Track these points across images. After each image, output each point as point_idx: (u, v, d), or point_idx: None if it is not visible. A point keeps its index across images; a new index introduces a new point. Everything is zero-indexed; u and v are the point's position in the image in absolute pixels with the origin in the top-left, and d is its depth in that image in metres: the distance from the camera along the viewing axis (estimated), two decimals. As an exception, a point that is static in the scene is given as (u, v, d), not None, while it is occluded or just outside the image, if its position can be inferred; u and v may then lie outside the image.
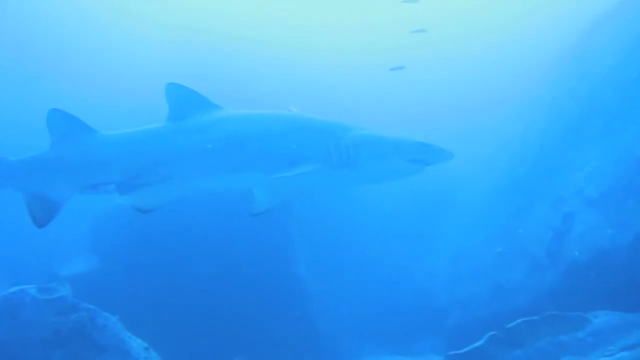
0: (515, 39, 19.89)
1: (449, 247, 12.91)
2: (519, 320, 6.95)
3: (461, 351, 6.76)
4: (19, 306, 5.75)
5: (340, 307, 11.98)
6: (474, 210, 13.01)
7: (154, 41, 20.31)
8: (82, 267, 9.72)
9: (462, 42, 21.19)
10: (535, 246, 9.09)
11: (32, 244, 10.97)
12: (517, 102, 14.51)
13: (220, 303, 9.17)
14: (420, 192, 14.04)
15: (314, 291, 10.82)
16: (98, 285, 8.53)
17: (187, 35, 20.40)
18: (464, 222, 13.14)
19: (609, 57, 9.81)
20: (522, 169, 11.31)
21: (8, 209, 7.65)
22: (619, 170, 8.05)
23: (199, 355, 8.56)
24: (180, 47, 19.58)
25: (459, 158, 6.25)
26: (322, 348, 10.18)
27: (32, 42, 20.63)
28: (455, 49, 21.04)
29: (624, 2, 10.66)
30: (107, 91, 18.31)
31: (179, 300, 8.89)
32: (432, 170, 6.10)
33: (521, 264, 9.30)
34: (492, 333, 6.89)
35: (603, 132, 8.97)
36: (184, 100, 5.94)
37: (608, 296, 7.23)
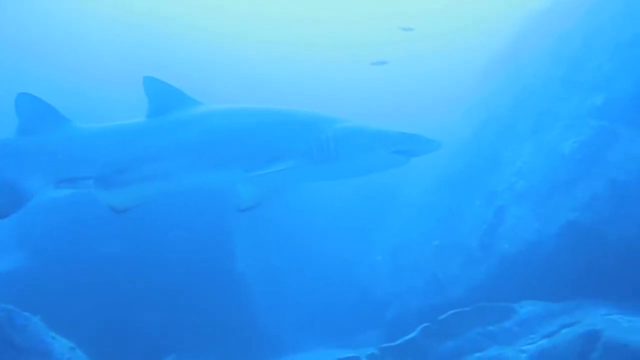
0: (458, 43, 20.53)
1: (390, 241, 13.09)
2: (450, 312, 7.15)
3: (394, 343, 6.88)
4: None
5: (282, 301, 11.95)
6: (414, 204, 13.22)
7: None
8: (8, 264, 9.29)
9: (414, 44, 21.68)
10: (470, 239, 9.34)
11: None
12: (459, 102, 14.84)
13: (156, 299, 8.98)
14: (363, 186, 14.13)
15: (254, 286, 10.75)
16: (25, 283, 8.20)
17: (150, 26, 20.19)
18: (404, 216, 13.34)
19: (538, 58, 10.17)
20: (460, 165, 11.59)
21: None
22: (547, 166, 8.39)
23: (133, 353, 8.34)
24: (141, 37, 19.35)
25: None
26: (262, 343, 10.15)
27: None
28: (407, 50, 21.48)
29: (551, 6, 11.10)
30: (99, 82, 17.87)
31: (111, 297, 8.65)
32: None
33: (457, 257, 9.53)
34: (424, 325, 7.05)
35: (533, 129, 9.32)
36: (163, 95, 5.75)
37: (534, 286, 7.52)
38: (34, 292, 7.25)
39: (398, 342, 6.84)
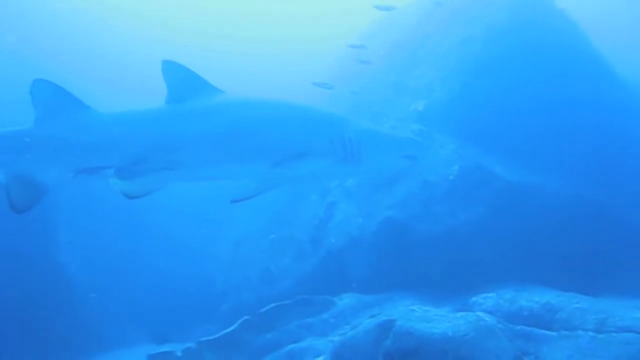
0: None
1: (233, 233, 13.07)
2: (271, 305, 7.27)
3: (212, 337, 6.83)
4: None
5: (113, 294, 11.38)
6: (259, 197, 13.28)
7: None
8: None
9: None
10: (302, 233, 9.59)
11: None
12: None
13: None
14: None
15: (80, 277, 10.12)
16: None
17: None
18: (249, 209, 13.37)
19: (376, 62, 10.71)
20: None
21: None
22: (374, 165, 8.85)
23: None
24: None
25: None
26: (85, 337, 9.60)
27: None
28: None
29: (390, 14, 11.75)
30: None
31: None
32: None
33: (289, 250, 9.75)
34: (245, 318, 7.10)
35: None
36: (182, 81, 5.47)
37: (354, 280, 7.92)
38: None
39: (216, 335, 6.80)
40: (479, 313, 5.75)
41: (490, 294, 6.22)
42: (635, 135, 8.65)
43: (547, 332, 5.38)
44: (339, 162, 5.24)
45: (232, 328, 6.97)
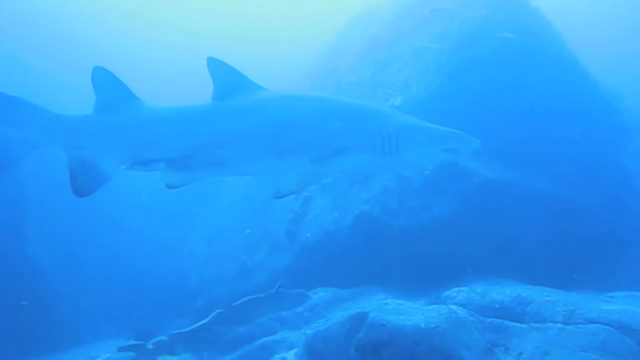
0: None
1: (209, 228, 13.00)
2: (245, 298, 7.24)
3: (184, 330, 6.78)
4: None
5: (87, 289, 11.24)
6: (235, 192, 13.25)
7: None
8: None
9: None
10: (278, 228, 9.57)
11: None
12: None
13: None
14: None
15: (51, 272, 9.95)
16: None
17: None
18: (224, 204, 13.32)
19: (353, 58, 10.74)
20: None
21: None
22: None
23: None
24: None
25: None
26: (56, 331, 9.45)
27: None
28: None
29: (366, 10, 11.78)
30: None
31: None
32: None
33: (264, 245, 9.72)
34: (218, 311, 7.07)
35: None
36: (227, 78, 5.53)
37: (329, 274, 7.92)
38: None
39: (188, 328, 6.76)
40: (451, 306, 5.81)
41: (462, 288, 6.27)
42: (606, 136, 8.83)
43: (517, 324, 5.44)
44: (378, 157, 5.21)
45: (204, 321, 6.95)
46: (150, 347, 6.42)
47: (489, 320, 5.57)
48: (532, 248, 7.36)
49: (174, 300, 11.73)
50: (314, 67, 13.81)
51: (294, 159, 5.27)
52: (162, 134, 5.41)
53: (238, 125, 5.33)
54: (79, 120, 5.36)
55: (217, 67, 5.57)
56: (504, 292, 5.93)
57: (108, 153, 5.33)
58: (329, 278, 7.80)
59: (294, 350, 5.97)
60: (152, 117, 5.50)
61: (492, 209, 7.47)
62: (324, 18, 19.30)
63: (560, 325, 5.10)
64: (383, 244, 7.62)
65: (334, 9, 18.69)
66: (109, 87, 5.45)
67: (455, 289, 6.29)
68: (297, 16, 27.08)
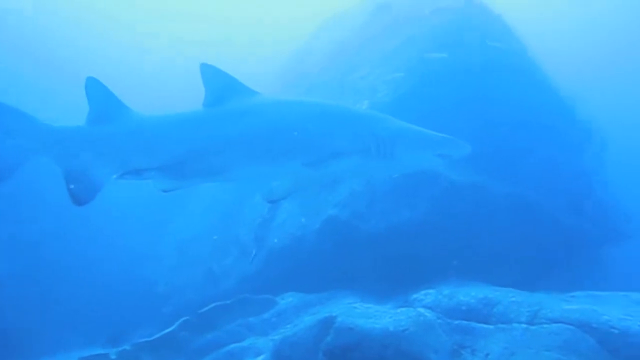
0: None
1: (177, 234, 12.82)
2: (212, 305, 7.14)
3: (149, 339, 6.65)
4: None
5: (48, 298, 10.94)
6: (205, 198, 13.12)
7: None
8: None
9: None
10: (246, 233, 9.49)
11: None
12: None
13: None
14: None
15: (9, 282, 9.66)
16: None
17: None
18: (193, 210, 13.16)
19: (322, 61, 10.77)
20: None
21: None
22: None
23: None
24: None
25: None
26: (14, 343, 9.16)
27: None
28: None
29: (337, 13, 11.81)
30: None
31: None
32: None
33: (232, 250, 9.62)
34: (184, 318, 6.95)
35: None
36: (220, 83, 5.59)
37: (297, 279, 7.89)
38: None
39: (154, 337, 6.62)
40: (419, 309, 5.84)
41: (430, 290, 6.31)
42: (567, 141, 9.04)
43: (484, 325, 5.50)
44: (372, 161, 5.25)
45: (170, 329, 6.81)
46: (113, 357, 6.26)
47: (456, 322, 5.61)
48: (498, 250, 7.47)
49: (141, 307, 11.51)
50: (283, 70, 13.79)
51: (288, 163, 5.29)
52: (151, 142, 5.47)
53: (231, 130, 5.36)
54: (71, 131, 5.46)
55: (210, 73, 5.62)
56: (471, 294, 5.99)
57: (100, 163, 5.43)
58: (297, 283, 7.75)
59: (262, 357, 5.90)
60: (140, 125, 5.58)
61: (459, 213, 7.55)
62: (294, 23, 19.40)
63: (525, 325, 5.17)
64: (351, 248, 7.62)
65: (304, 14, 18.82)
66: (100, 97, 5.55)
67: (423, 291, 6.32)
68: (267, 21, 27.21)
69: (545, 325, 5.00)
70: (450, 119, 7.91)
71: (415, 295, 6.34)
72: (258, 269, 8.75)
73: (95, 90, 5.54)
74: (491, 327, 5.46)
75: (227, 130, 5.36)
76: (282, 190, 5.72)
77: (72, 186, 5.39)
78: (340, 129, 5.31)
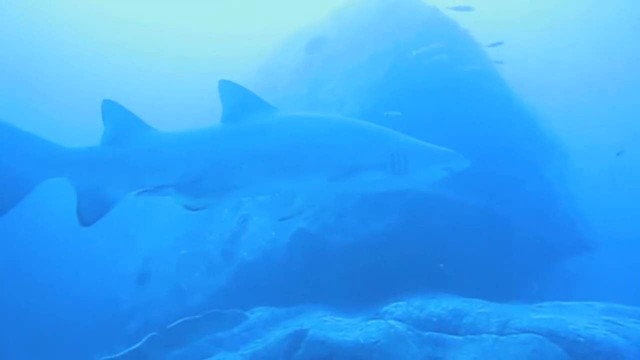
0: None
1: (142, 250, 12.56)
2: (180, 320, 6.99)
3: (116, 355, 6.46)
4: None
5: (9, 318, 10.55)
6: (170, 212, 12.92)
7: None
8: None
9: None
10: (214, 248, 9.36)
11: None
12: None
13: None
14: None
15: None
16: None
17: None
18: (159, 224, 12.94)
19: (288, 75, 10.80)
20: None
21: None
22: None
23: None
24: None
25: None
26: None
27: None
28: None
29: (301, 29, 11.87)
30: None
31: None
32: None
33: (200, 265, 9.48)
34: (151, 334, 6.78)
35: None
36: (238, 99, 5.58)
37: (267, 293, 7.80)
38: None
39: (119, 354, 6.44)
40: (390, 321, 5.85)
41: (401, 302, 6.34)
42: (531, 154, 9.25)
43: (454, 336, 5.55)
44: (387, 175, 5.35)
45: (137, 345, 6.63)
46: (77, 375, 6.06)
47: (427, 333, 5.65)
48: (467, 262, 7.55)
49: (104, 325, 11.22)
50: (250, 85, 13.75)
51: (311, 178, 5.37)
52: (167, 160, 5.52)
53: (250, 145, 5.40)
54: (88, 152, 5.52)
55: (227, 89, 5.64)
56: (441, 305, 6.05)
57: (113, 181, 5.50)
58: (267, 297, 7.67)
59: (232, 372, 5.81)
60: (159, 142, 5.63)
61: (428, 224, 7.62)
62: (257, 39, 19.53)
63: (494, 336, 5.23)
64: (321, 261, 7.61)
65: (269, 30, 18.88)
66: (117, 118, 5.62)
67: (394, 303, 6.35)
68: (233, 36, 27.34)
69: (514, 335, 5.07)
70: (416, 134, 8.03)
71: (386, 308, 6.36)
72: (228, 284, 8.63)
73: (112, 111, 5.59)
74: (460, 338, 5.51)
75: (252, 144, 5.40)
76: (295, 207, 5.87)
77: (82, 206, 5.44)
78: (360, 144, 5.44)
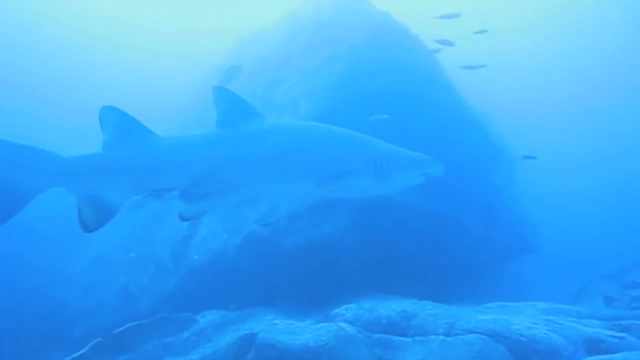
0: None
1: (89, 253, 12.18)
2: (127, 325, 6.82)
3: (59, 363, 6.24)
4: None
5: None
6: (120, 214, 12.57)
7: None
8: None
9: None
10: (164, 250, 9.19)
11: None
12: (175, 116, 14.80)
13: None
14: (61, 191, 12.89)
15: None
16: None
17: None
18: (108, 226, 12.57)
19: (243, 76, 10.72)
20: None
21: None
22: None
23: None
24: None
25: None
26: None
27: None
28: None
29: (259, 30, 11.82)
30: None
31: None
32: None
33: (149, 268, 9.28)
34: (96, 340, 6.59)
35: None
36: (232, 106, 5.69)
37: (218, 296, 7.71)
38: None
39: (63, 361, 6.23)
40: (340, 323, 5.88)
41: (351, 305, 6.38)
42: (479, 157, 9.48)
43: (402, 338, 5.63)
44: (369, 181, 5.52)
45: (81, 352, 6.43)
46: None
47: (376, 335, 5.71)
48: (416, 264, 7.67)
49: (48, 331, 10.83)
50: (203, 85, 13.59)
51: (302, 182, 5.54)
52: (170, 163, 5.55)
53: (250, 150, 5.54)
54: (86, 160, 5.45)
55: (221, 96, 5.76)
56: (391, 307, 6.12)
57: (114, 187, 5.45)
58: (217, 300, 7.58)
59: (181, 377, 5.71)
60: (159, 147, 5.63)
61: (379, 227, 7.70)
62: (212, 38, 19.30)
63: (442, 337, 5.34)
64: (273, 264, 7.58)
65: (223, 29, 18.74)
66: (117, 123, 5.59)
67: (344, 306, 6.38)
68: (188, 32, 26.90)
69: (460, 336, 5.18)
70: (369, 134, 8.10)
71: (336, 310, 6.39)
72: (178, 287, 8.48)
73: (112, 116, 5.55)
74: (409, 339, 5.59)
75: (248, 150, 5.54)
76: (279, 211, 5.95)
77: (83, 213, 5.42)
78: (347, 151, 5.63)
